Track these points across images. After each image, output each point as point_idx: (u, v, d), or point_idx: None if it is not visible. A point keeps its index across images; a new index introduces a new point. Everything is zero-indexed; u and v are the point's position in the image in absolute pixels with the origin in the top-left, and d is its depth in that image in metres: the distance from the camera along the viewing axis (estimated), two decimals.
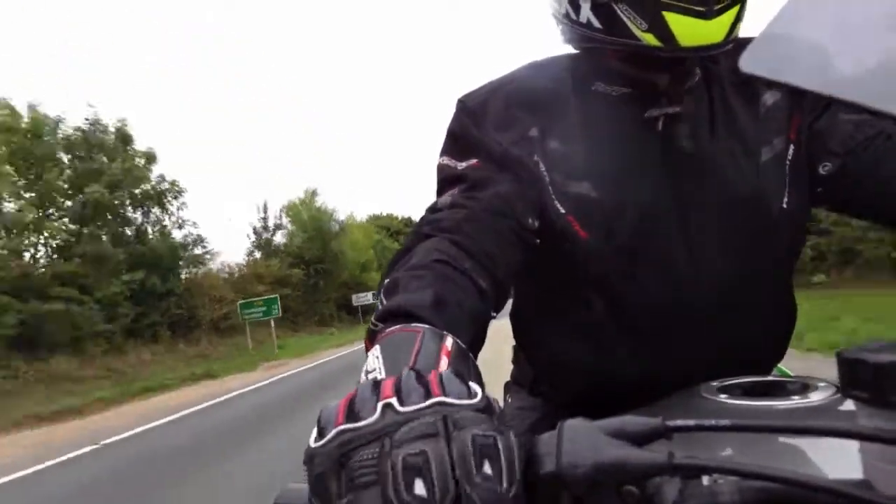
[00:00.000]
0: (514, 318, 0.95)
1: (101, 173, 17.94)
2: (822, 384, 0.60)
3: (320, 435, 0.34)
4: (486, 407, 0.34)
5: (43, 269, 16.03)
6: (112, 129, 19.13)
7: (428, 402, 0.33)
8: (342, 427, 0.33)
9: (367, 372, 0.44)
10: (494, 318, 0.68)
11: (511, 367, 1.02)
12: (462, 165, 0.76)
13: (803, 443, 0.48)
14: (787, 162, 0.76)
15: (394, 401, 0.34)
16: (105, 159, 18.50)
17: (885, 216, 0.76)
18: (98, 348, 15.50)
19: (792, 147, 0.76)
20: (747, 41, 0.46)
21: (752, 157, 0.75)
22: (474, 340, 0.59)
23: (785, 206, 0.75)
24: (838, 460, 0.41)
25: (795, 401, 0.57)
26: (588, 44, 0.75)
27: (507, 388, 1.01)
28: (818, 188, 0.76)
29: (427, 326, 0.50)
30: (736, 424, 0.37)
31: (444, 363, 0.44)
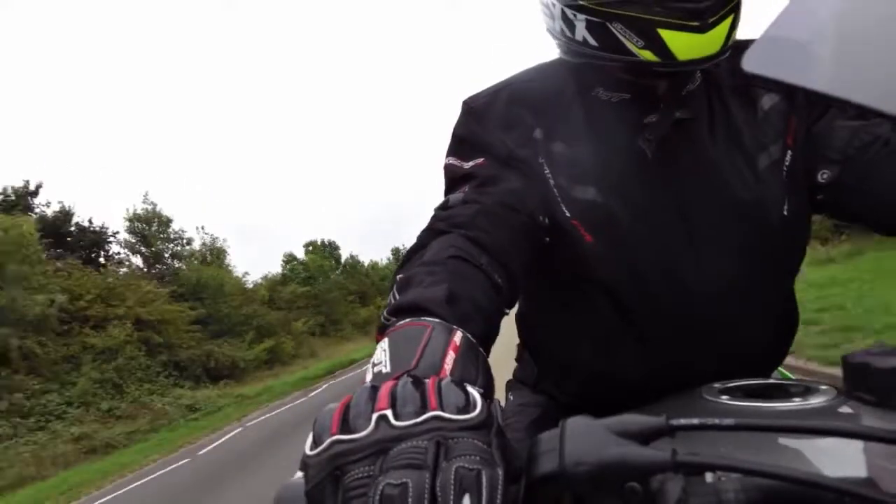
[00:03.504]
0: (520, 317, 0.95)
1: None
2: (823, 387, 0.60)
3: (315, 442, 0.33)
4: (485, 420, 0.34)
5: None
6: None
7: (423, 418, 0.33)
8: (335, 438, 0.33)
9: (374, 364, 0.44)
10: (507, 314, 0.67)
11: (513, 365, 1.02)
12: (468, 165, 0.76)
13: (806, 443, 0.48)
14: (785, 168, 0.75)
15: (388, 413, 0.33)
16: None
17: (885, 224, 0.75)
18: None
19: (790, 153, 0.76)
20: (746, 44, 0.46)
21: (750, 163, 0.75)
22: (487, 335, 0.58)
23: (785, 213, 0.75)
24: (841, 460, 0.41)
25: (797, 402, 0.57)
26: (585, 59, 0.75)
27: (510, 385, 1.01)
28: (818, 195, 0.76)
29: (437, 320, 0.49)
30: (740, 423, 0.36)
31: (450, 359, 0.44)
